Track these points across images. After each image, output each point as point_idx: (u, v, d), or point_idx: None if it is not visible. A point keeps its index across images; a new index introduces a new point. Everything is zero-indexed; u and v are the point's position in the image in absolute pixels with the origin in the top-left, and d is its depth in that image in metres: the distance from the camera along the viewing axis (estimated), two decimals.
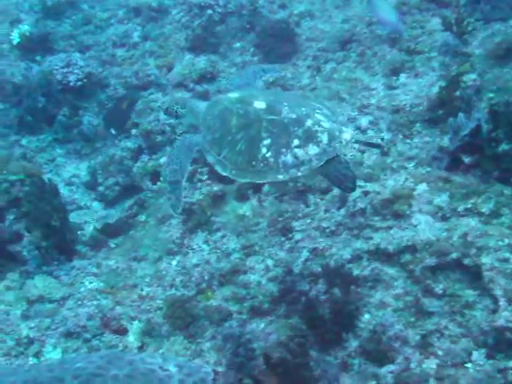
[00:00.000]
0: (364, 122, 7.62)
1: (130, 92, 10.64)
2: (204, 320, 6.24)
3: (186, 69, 10.68)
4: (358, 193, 6.59)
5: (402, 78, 8.23)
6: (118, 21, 12.91)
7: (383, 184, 6.68)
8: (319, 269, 6.13)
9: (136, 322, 6.41)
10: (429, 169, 6.80)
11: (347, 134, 4.70)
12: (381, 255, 6.11)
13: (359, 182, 6.68)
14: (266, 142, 4.63)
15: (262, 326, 6.04)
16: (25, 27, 12.24)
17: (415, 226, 6.14)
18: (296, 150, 4.58)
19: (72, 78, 11.07)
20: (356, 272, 6.04)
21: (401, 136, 7.35)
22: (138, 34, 12.39)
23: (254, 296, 6.29)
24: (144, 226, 7.99)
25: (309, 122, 4.65)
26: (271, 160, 4.60)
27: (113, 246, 8.25)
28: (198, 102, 5.58)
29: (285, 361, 5.49)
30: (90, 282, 7.07)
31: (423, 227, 6.10)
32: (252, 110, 4.76)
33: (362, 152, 7.28)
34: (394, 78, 8.29)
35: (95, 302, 6.72)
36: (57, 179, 9.71)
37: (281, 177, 4.61)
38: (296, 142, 4.60)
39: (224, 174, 4.80)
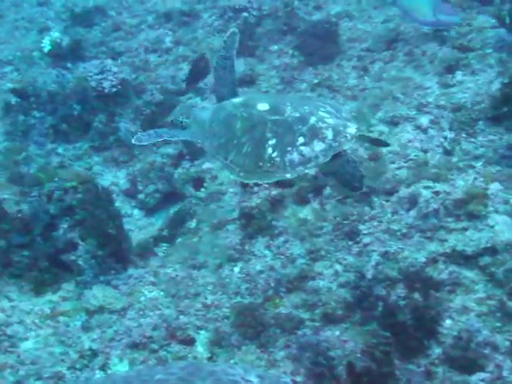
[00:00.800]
0: (424, 121, 7.41)
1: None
2: (275, 328, 6.01)
3: None
4: (428, 193, 6.38)
5: (459, 75, 8.01)
6: (148, 26, 12.72)
7: (453, 184, 6.49)
8: (394, 273, 5.90)
9: (203, 332, 6.19)
10: (498, 167, 6.59)
11: (352, 128, 4.66)
12: (458, 258, 5.91)
13: (427, 183, 6.51)
14: (272, 142, 4.63)
15: (337, 333, 5.82)
16: (56, 34, 12.05)
17: (492, 227, 5.95)
18: (302, 148, 4.57)
19: (106, 84, 10.87)
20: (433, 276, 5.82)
21: (464, 134, 7.14)
22: (169, 39, 12.21)
23: (326, 302, 6.07)
24: (196, 232, 7.73)
25: (312, 120, 4.64)
26: (278, 159, 4.59)
27: (161, 254, 7.99)
28: (203, 110, 5.53)
29: (369, 370, 5.27)
30: (150, 292, 6.84)
31: (501, 228, 5.91)
32: (256, 112, 4.77)
33: (425, 151, 7.08)
34: (450, 76, 8.06)
35: (158, 312, 6.48)
36: None
37: (288, 175, 4.62)
38: (301, 139, 4.59)
39: (232, 177, 4.88)
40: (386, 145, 5.81)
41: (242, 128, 4.78)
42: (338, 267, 6.37)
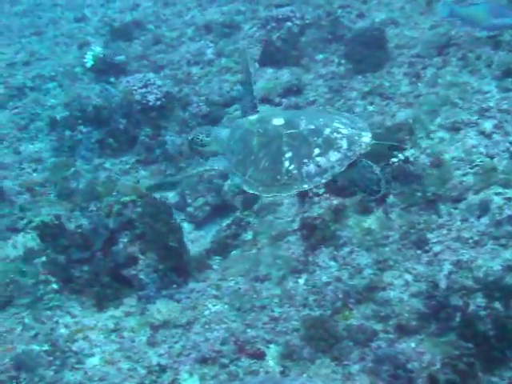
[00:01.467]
0: (488, 126, 7.24)
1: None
2: (348, 341, 5.85)
3: (271, 83, 10.40)
4: (500, 200, 6.22)
5: None
6: (189, 39, 12.70)
7: None
8: (470, 282, 5.73)
9: (273, 345, 6.06)
10: None
11: (366, 137, 4.73)
12: None
13: (498, 189, 6.33)
14: (288, 155, 4.70)
15: (413, 345, 5.65)
16: (98, 49, 12.07)
17: None
18: (318, 159, 4.64)
19: (151, 97, 10.85)
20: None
21: None
22: (211, 51, 12.16)
23: (399, 313, 5.90)
24: (254, 244, 7.59)
25: (327, 131, 4.72)
26: (295, 172, 4.66)
27: (215, 267, 7.86)
28: (221, 129, 5.67)
29: (453, 383, 5.09)
30: (214, 305, 6.72)
31: None
32: (271, 127, 4.86)
33: (491, 157, 6.90)
34: (509, 79, 7.88)
35: (224, 326, 6.36)
36: None
37: (306, 186, 4.67)
38: (317, 150, 4.66)
39: (251, 191, 4.86)
40: (402, 148, 6.14)
41: (258, 144, 4.86)
42: (408, 277, 6.21)
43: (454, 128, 7.48)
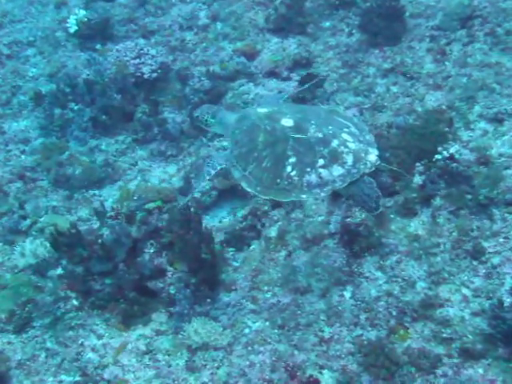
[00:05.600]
0: None
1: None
2: (409, 367, 5.45)
3: (278, 55, 9.70)
4: None
5: None
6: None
7: None
8: None
9: (326, 371, 5.63)
10: None
11: (373, 154, 4.71)
12: None
13: None
14: (292, 160, 4.66)
15: (481, 371, 5.29)
16: (82, 12, 11.06)
17: None
18: (321, 170, 4.61)
19: (145, 69, 10.08)
20: None
21: None
22: (205, 14, 11.29)
23: (463, 334, 5.52)
24: (283, 245, 7.02)
25: (335, 143, 4.68)
26: (296, 179, 4.63)
27: (236, 264, 7.32)
28: (228, 113, 5.58)
29: None
30: (253, 322, 6.24)
31: None
32: (279, 128, 4.79)
33: None
34: None
35: (268, 347, 5.91)
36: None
37: (304, 196, 4.66)
38: (321, 161, 4.64)
39: (249, 190, 4.82)
40: (404, 175, 6.10)
41: (264, 141, 4.78)
42: (466, 291, 5.81)
43: (497, 119, 7.01)
